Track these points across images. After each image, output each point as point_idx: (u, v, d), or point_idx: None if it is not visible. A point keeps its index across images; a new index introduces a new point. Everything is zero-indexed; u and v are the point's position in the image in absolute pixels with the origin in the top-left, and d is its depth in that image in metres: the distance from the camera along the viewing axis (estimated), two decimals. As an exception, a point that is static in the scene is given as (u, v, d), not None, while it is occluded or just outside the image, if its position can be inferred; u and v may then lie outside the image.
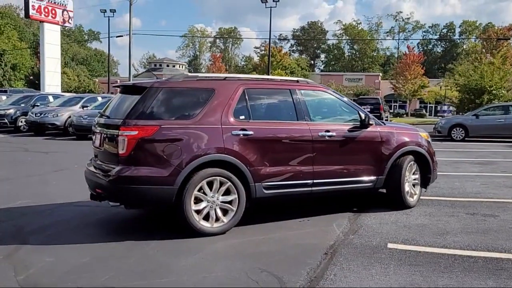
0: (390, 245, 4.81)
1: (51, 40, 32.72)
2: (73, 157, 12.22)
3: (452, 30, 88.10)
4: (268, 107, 5.73)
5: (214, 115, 5.18)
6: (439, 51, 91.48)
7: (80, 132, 16.74)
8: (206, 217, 5.12)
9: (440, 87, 49.69)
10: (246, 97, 5.43)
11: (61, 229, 5.45)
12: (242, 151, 5.22)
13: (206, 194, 5.09)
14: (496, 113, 18.25)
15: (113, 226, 5.70)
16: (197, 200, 5.07)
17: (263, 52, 69.36)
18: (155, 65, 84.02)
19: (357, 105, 6.31)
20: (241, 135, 5.23)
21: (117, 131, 4.90)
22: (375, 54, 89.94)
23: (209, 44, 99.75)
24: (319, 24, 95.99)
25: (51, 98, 21.71)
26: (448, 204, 6.76)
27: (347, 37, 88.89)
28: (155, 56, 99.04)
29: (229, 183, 5.18)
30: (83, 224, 5.69)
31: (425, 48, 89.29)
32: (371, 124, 6.04)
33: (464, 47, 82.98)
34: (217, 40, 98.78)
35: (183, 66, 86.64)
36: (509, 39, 41.30)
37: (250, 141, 5.27)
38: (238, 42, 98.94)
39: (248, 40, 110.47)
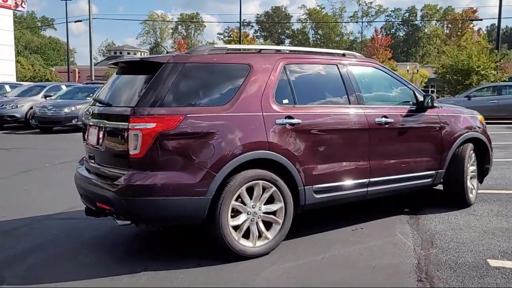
0: (491, 262, 3.71)
1: (3, 26, 30.08)
2: (41, 154, 10.61)
3: (414, 14, 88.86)
4: (314, 88, 4.48)
5: (252, 99, 3.90)
6: (402, 35, 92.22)
7: (45, 124, 14.98)
8: (246, 234, 3.87)
9: (407, 71, 49.69)
10: (288, 75, 4.18)
11: (47, 256, 4.07)
12: (289, 146, 3.99)
13: (245, 204, 3.84)
14: (488, 94, 17.69)
15: (117, 248, 4.34)
16: (235, 213, 3.82)
17: (227, 38, 67.59)
18: (115, 52, 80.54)
19: (412, 83, 5.14)
20: (287, 124, 3.99)
21: (126, 123, 3.55)
22: (339, 39, 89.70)
23: (171, 31, 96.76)
24: (283, 9, 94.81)
25: (7, 88, 19.59)
26: (507, 197, 5.77)
27: (312, 22, 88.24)
28: (114, 44, 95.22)
29: (274, 188, 3.94)
30: (75, 247, 4.32)
31: (388, 32, 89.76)
32: (431, 107, 4.91)
33: (426, 31, 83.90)
34: (179, 26, 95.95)
35: (145, 54, 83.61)
36: (482, 19, 41.59)
37: (298, 132, 4.04)
38: (201, 28, 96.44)
39: (210, 26, 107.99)
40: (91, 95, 15.86)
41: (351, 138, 4.41)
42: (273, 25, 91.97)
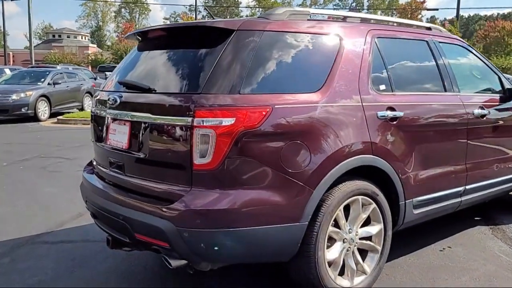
0: None
1: None
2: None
3: (361, 4, 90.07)
4: (407, 70, 3.47)
5: (349, 84, 2.83)
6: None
7: (-12, 114, 13.00)
8: (341, 269, 2.83)
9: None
10: (381, 52, 3.14)
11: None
12: (391, 147, 2.98)
13: (340, 228, 2.79)
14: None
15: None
16: (329, 242, 2.76)
17: (175, 22, 64.93)
18: (53, 35, 75.54)
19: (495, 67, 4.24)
20: (389, 118, 2.97)
21: (187, 118, 2.38)
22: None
23: (113, 14, 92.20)
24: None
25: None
26: None
27: (261, 8, 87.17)
28: (52, 26, 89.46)
29: (374, 205, 2.92)
30: (87, 290, 3.09)
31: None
32: None
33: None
34: (123, 10, 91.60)
35: (86, 37, 79.20)
36: (437, 9, 42.16)
37: (399, 129, 3.04)
38: (145, 12, 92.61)
39: (155, 11, 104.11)
40: (42, 80, 14.03)
41: (451, 135, 3.46)
42: (221, 10, 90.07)
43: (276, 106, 2.47)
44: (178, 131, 2.44)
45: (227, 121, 2.35)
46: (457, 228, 4.15)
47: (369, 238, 2.97)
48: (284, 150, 2.48)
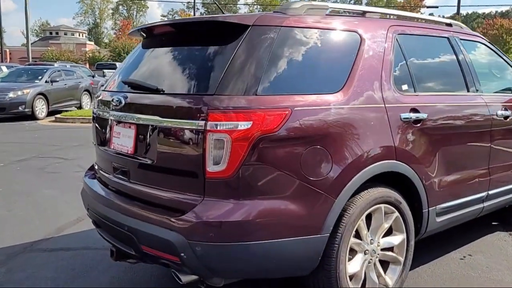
0: None
1: None
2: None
3: (359, 2, 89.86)
4: (429, 68, 3.27)
5: (370, 84, 2.64)
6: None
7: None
8: (363, 283, 2.64)
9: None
10: (402, 49, 2.94)
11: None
12: (415, 152, 2.79)
13: (361, 239, 2.60)
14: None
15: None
16: (350, 254, 2.57)
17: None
18: (50, 33, 75.08)
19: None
20: (412, 120, 2.77)
21: (199, 122, 2.18)
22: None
23: (111, 11, 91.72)
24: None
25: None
26: None
27: (259, 5, 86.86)
28: (49, 24, 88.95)
29: (397, 213, 2.73)
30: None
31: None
32: None
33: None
34: (120, 7, 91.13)
35: (83, 35, 78.78)
36: (437, 7, 42.00)
37: (423, 132, 2.84)
38: (143, 9, 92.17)
39: (153, 8, 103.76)
40: (40, 77, 13.80)
41: (475, 138, 3.27)
42: (221, 5, 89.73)
43: (295, 108, 2.28)
44: (190, 136, 2.24)
45: (243, 125, 2.15)
46: (475, 234, 3.96)
47: (391, 248, 2.78)
48: (304, 156, 2.28)
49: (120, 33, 62.32)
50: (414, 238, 2.90)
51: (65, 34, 73.98)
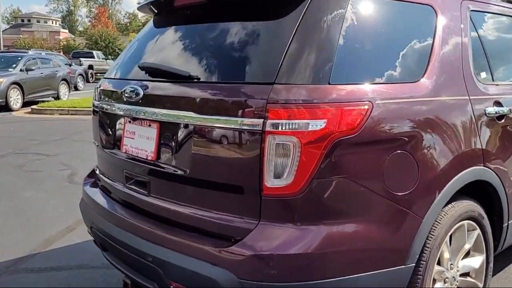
0: None
1: None
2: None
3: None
4: (505, 53, 2.75)
5: (451, 71, 2.11)
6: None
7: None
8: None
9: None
10: (477, 30, 2.42)
11: None
12: (500, 154, 2.29)
13: (442, 266, 2.08)
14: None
15: None
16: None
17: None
18: (22, 20, 72.67)
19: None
20: (497, 116, 2.26)
21: (254, 120, 1.62)
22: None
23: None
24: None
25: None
26: None
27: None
28: (21, 11, 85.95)
29: (478, 230, 2.23)
30: None
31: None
32: None
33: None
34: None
35: (57, 22, 76.38)
36: None
37: (504, 129, 2.35)
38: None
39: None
40: (14, 66, 12.88)
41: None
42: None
43: (376, 102, 1.73)
44: (240, 138, 1.67)
45: (316, 124, 1.59)
46: None
47: (467, 273, 2.28)
48: (386, 165, 1.74)
49: (95, 20, 60.44)
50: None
51: (38, 21, 71.66)
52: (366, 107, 1.69)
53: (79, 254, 3.35)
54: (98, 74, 27.50)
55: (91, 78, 24.76)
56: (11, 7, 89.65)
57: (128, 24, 78.45)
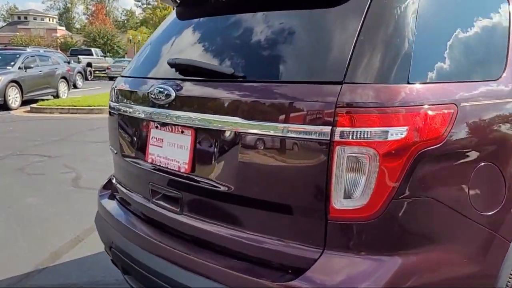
0: None
1: None
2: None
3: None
4: None
5: (531, 65, 1.82)
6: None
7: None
8: None
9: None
10: None
11: None
12: None
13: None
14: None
15: None
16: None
17: (145, 6, 62.64)
18: (19, 17, 72.11)
19: None
20: None
21: (319, 128, 1.32)
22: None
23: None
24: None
25: None
26: None
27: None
28: (17, 8, 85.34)
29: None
30: None
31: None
32: None
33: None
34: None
35: (54, 20, 75.89)
36: None
37: None
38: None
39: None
40: (12, 63, 12.55)
41: None
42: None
43: (461, 104, 1.44)
44: (300, 150, 1.38)
45: (396, 133, 1.30)
46: None
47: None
48: (473, 180, 1.45)
49: (93, 18, 59.91)
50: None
51: (35, 19, 71.24)
52: (451, 110, 1.40)
53: (90, 269, 3.06)
54: (97, 72, 27.20)
55: (89, 76, 24.43)
56: (7, 4, 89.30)
57: (125, 21, 77.98)
